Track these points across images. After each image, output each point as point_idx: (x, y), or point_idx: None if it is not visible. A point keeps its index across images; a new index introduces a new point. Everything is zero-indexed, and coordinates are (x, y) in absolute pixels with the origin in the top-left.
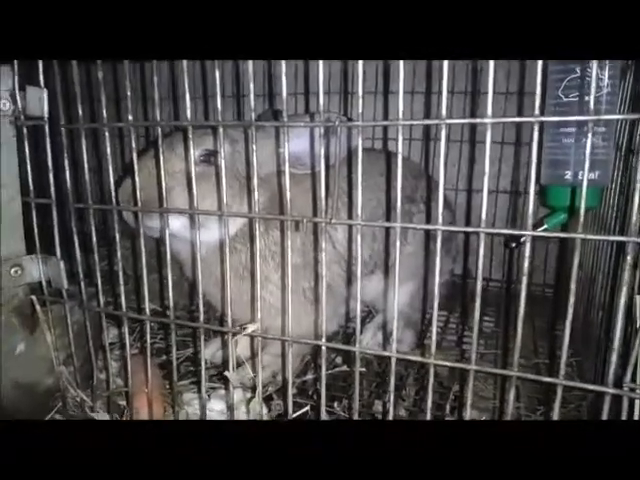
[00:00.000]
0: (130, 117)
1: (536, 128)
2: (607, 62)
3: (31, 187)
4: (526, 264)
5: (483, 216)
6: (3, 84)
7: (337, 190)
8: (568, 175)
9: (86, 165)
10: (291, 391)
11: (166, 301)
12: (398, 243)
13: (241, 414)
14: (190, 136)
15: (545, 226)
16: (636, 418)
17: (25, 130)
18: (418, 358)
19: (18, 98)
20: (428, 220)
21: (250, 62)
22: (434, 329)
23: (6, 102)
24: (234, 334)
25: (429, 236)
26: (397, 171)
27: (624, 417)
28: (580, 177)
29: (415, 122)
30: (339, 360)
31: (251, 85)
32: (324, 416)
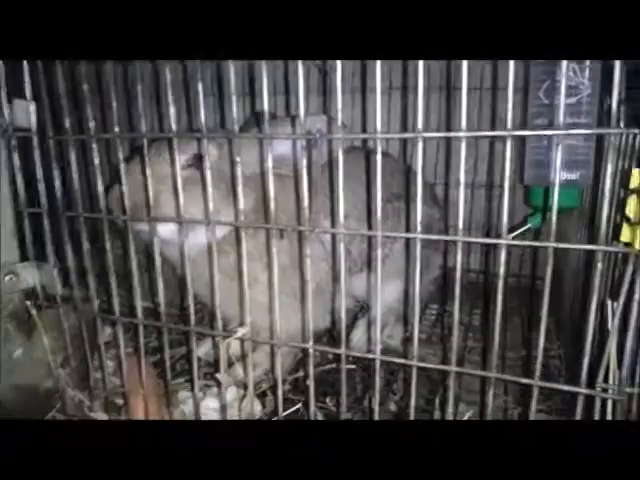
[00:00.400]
0: (116, 129)
1: (508, 142)
2: (587, 65)
3: (22, 197)
4: (502, 270)
5: (460, 225)
6: None
7: (320, 197)
8: (551, 176)
9: (75, 175)
10: (281, 391)
11: (156, 298)
12: (379, 251)
13: (235, 412)
14: (175, 147)
15: (529, 225)
16: (608, 417)
17: (14, 142)
18: (401, 360)
19: (5, 111)
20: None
21: (232, 76)
22: (416, 332)
23: None
24: (224, 337)
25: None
26: (377, 180)
27: (597, 416)
28: (563, 178)
29: (393, 135)
30: (331, 356)
31: (233, 98)
32: (314, 415)
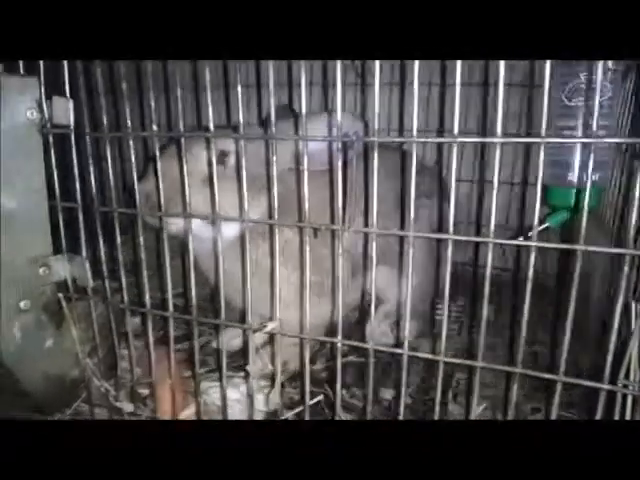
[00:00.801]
0: (155, 127)
1: (542, 148)
2: (609, 68)
3: (57, 192)
4: (530, 272)
5: (492, 227)
6: (30, 94)
7: (354, 198)
8: (569, 176)
9: (111, 171)
10: (308, 382)
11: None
12: (411, 251)
13: (257, 402)
14: (213, 147)
15: (547, 224)
16: (629, 411)
17: (51, 138)
18: (429, 356)
19: (45, 108)
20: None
21: (271, 85)
22: (444, 329)
23: (33, 111)
24: (254, 331)
25: (433, 231)
26: (411, 184)
27: (617, 410)
28: (582, 178)
29: (429, 140)
30: (346, 347)
31: (271, 100)
32: (339, 409)
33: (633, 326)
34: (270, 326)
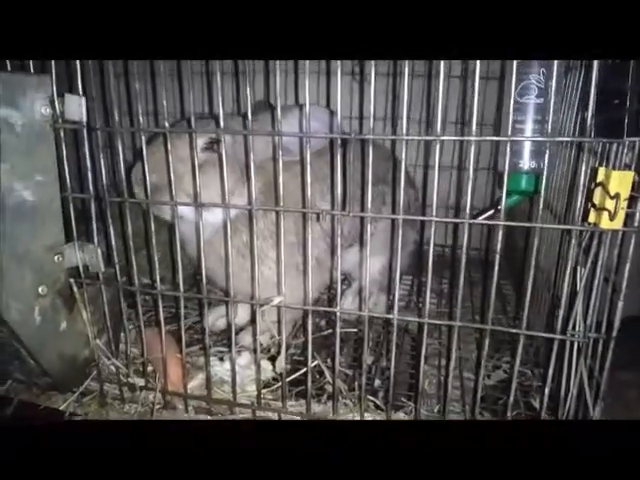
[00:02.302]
0: (166, 124)
1: (508, 145)
2: (554, 69)
3: (68, 184)
4: (498, 246)
5: (467, 209)
6: (44, 92)
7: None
8: (520, 164)
9: (122, 164)
10: (310, 347)
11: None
12: (401, 231)
13: (250, 373)
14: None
15: (500, 206)
16: (575, 354)
17: (62, 133)
18: (416, 318)
19: (57, 104)
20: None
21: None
22: (427, 295)
23: (46, 107)
24: (261, 305)
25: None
26: (401, 178)
27: (566, 356)
28: (532, 166)
29: (416, 138)
30: (324, 322)
31: (277, 86)
32: (337, 372)
33: (578, 287)
34: (276, 300)
